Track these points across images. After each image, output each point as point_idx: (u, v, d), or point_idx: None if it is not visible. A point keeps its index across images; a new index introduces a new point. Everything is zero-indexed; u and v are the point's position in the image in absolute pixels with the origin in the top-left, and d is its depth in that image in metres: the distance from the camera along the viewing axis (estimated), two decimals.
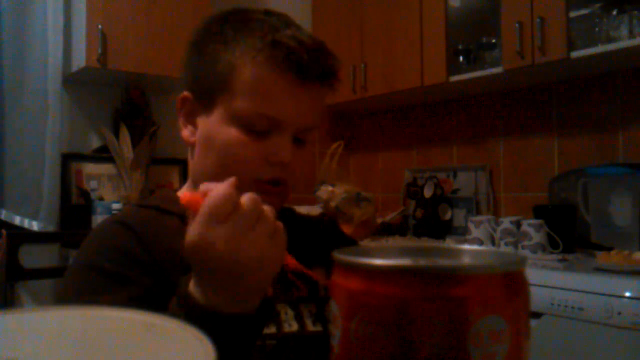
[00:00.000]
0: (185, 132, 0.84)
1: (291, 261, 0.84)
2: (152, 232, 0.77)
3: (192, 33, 0.85)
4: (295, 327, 0.77)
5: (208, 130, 0.80)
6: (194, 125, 0.83)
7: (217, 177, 0.74)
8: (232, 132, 0.77)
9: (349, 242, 0.99)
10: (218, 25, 0.81)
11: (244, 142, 0.77)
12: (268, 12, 0.81)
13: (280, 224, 0.57)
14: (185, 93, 0.84)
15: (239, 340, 0.58)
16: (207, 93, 0.80)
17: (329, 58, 0.79)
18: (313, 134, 0.83)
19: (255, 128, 0.77)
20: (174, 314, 0.57)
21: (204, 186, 0.56)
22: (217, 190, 0.55)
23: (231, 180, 0.56)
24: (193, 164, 0.85)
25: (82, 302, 0.70)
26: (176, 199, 0.83)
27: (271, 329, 0.75)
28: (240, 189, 0.69)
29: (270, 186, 0.78)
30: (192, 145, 0.84)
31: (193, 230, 0.54)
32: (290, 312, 0.78)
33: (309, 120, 0.79)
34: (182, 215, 0.77)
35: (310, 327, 0.79)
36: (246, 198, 0.56)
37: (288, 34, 0.76)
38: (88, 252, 0.77)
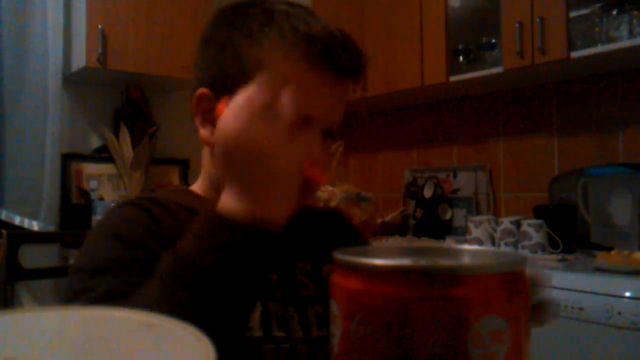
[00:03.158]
0: (204, 132, 0.78)
1: (301, 265, 0.82)
2: (164, 216, 0.75)
3: (204, 28, 0.81)
4: (299, 332, 0.75)
5: None
6: (214, 124, 0.77)
7: None
8: None
9: (359, 238, 0.96)
10: (238, 18, 0.76)
11: None
12: (289, 4, 0.76)
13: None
14: (203, 90, 0.77)
15: (249, 255, 0.58)
16: (229, 91, 0.73)
17: (359, 52, 0.76)
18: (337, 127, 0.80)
19: None
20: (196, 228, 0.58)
21: None
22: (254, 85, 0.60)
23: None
24: (212, 165, 0.81)
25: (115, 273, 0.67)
26: (189, 193, 0.82)
27: (281, 333, 0.74)
28: None
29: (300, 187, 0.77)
30: (212, 145, 0.77)
31: (226, 118, 0.59)
32: (296, 316, 0.76)
33: (339, 115, 0.77)
34: (193, 210, 0.76)
35: (315, 331, 0.77)
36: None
37: (320, 27, 0.73)
38: (108, 226, 0.74)
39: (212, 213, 0.59)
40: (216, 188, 0.78)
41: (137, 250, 0.69)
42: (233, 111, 0.59)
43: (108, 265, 0.68)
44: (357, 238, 0.95)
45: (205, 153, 0.83)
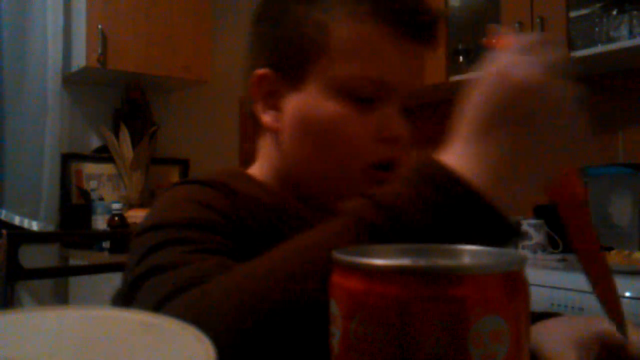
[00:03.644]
0: (267, 118, 0.69)
1: None
2: (234, 197, 0.64)
3: (256, 8, 0.73)
4: None
5: (301, 109, 0.66)
6: (277, 108, 0.69)
7: (319, 165, 0.66)
8: (333, 106, 0.64)
9: None
10: None
11: (348, 115, 0.64)
12: None
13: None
14: (263, 70, 0.68)
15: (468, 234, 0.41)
16: (294, 64, 0.66)
17: (432, 10, 0.66)
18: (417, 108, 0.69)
19: (360, 95, 0.64)
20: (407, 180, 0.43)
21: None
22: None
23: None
24: (280, 153, 0.70)
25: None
26: (251, 180, 0.71)
27: None
28: (348, 179, 0.64)
29: (382, 172, 0.65)
30: (276, 131, 0.69)
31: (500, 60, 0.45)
32: None
33: (417, 83, 0.67)
34: (254, 197, 0.65)
35: None
36: None
37: None
38: (185, 194, 0.63)
39: (439, 165, 0.43)
40: (282, 177, 0.70)
41: (224, 220, 0.59)
42: (527, 49, 0.44)
43: (201, 224, 0.57)
44: None
45: (267, 139, 0.72)
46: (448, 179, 0.42)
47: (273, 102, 0.69)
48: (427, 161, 0.45)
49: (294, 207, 0.68)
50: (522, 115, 0.42)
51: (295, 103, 0.67)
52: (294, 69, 0.66)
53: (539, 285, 1.57)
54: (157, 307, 0.47)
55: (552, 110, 0.44)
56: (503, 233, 0.42)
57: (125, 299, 0.55)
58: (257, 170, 0.73)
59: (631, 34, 1.93)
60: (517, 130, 0.42)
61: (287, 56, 0.67)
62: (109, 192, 2.68)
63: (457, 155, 0.44)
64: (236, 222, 0.60)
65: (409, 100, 0.67)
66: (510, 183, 0.43)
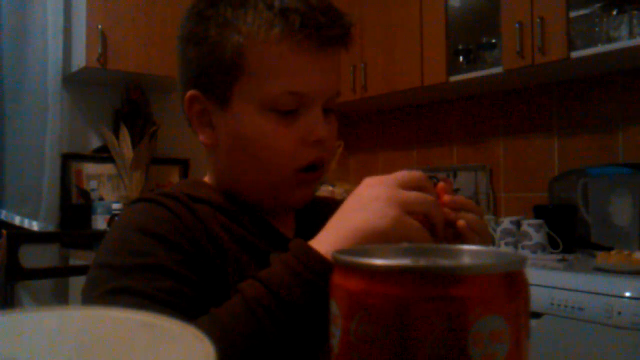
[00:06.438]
0: (202, 136, 0.76)
1: None
2: (179, 209, 0.70)
3: (181, 25, 0.78)
4: None
5: (231, 127, 0.72)
6: (210, 125, 0.75)
7: (252, 176, 0.73)
8: (259, 122, 0.70)
9: None
10: (210, 9, 0.72)
11: (274, 128, 0.70)
12: None
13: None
14: (192, 92, 0.75)
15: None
16: (218, 86, 0.72)
17: (342, 17, 0.71)
18: (337, 101, 0.76)
19: (282, 108, 0.70)
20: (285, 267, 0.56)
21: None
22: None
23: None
24: (219, 166, 0.78)
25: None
26: (205, 186, 0.79)
27: None
28: (280, 185, 0.73)
29: (310, 174, 0.73)
30: (213, 147, 0.76)
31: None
32: None
33: (334, 86, 0.73)
34: (212, 202, 0.73)
35: None
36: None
37: None
38: (131, 221, 0.69)
39: (307, 248, 0.57)
40: (226, 185, 0.77)
41: (160, 245, 0.65)
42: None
43: (137, 263, 0.63)
44: None
45: (208, 154, 0.79)
46: (315, 260, 0.56)
47: (206, 120, 0.75)
48: (302, 247, 0.58)
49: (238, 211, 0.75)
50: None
51: (225, 121, 0.73)
52: (219, 90, 0.72)
53: (539, 285, 1.57)
54: None
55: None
56: None
57: None
58: (208, 180, 0.81)
59: (631, 34, 1.93)
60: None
61: (210, 79, 0.72)
62: (109, 192, 2.68)
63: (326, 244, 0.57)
64: (188, 235, 0.67)
65: (328, 103, 0.73)
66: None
